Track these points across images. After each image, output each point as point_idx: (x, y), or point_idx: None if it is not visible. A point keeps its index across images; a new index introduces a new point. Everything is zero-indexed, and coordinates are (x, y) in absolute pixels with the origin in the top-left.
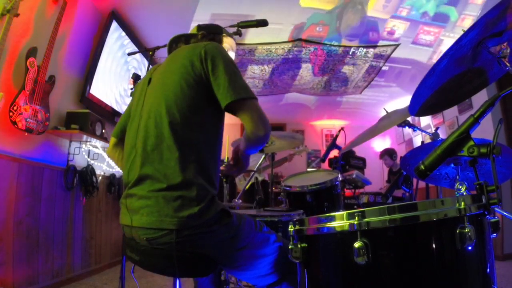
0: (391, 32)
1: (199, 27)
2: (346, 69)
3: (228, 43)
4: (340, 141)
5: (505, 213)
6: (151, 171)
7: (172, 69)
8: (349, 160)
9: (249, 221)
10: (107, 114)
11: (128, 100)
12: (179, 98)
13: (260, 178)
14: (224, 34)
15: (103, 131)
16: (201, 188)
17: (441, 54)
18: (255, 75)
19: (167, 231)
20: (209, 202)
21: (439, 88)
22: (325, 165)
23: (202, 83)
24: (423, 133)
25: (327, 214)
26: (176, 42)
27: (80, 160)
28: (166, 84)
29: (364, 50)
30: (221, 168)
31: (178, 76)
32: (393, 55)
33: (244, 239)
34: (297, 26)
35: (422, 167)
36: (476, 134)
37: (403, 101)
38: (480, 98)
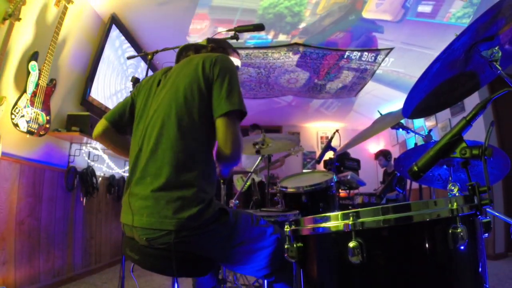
0: None
1: (209, 40)
2: (341, 72)
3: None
4: (335, 143)
5: (496, 214)
6: (154, 169)
7: (185, 73)
8: (344, 162)
9: (245, 216)
10: None
11: None
12: (189, 101)
13: (257, 179)
14: (230, 51)
15: None
16: (201, 190)
17: None
18: (251, 78)
19: (167, 232)
20: (208, 203)
21: (432, 91)
22: (320, 166)
23: (210, 87)
24: (416, 135)
25: (323, 215)
26: (186, 50)
27: (80, 161)
28: (178, 87)
29: (359, 53)
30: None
31: (190, 79)
32: None
33: (241, 235)
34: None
35: (416, 168)
36: (468, 136)
37: (397, 103)
38: (472, 101)
